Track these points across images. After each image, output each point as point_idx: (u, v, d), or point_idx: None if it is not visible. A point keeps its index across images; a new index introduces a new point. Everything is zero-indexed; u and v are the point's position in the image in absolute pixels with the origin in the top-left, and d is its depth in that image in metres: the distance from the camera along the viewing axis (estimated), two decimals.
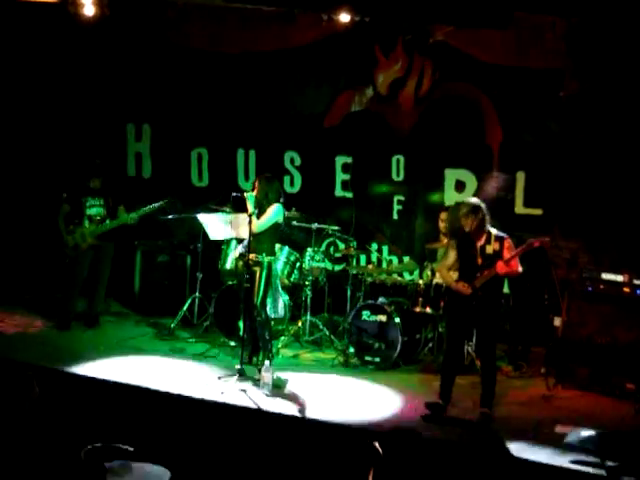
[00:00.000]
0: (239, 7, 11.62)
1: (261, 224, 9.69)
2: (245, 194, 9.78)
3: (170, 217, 11.68)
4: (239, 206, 10.10)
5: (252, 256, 9.69)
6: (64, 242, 11.18)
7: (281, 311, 10.85)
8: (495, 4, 10.00)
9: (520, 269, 8.55)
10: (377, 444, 5.76)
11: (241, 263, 9.92)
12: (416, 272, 11.16)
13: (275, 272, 10.39)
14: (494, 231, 8.58)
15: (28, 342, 10.56)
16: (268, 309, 10.15)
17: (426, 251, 10.60)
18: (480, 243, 8.55)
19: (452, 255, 8.76)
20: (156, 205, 11.17)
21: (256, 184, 9.95)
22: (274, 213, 9.78)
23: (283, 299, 10.90)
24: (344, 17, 10.83)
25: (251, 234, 9.58)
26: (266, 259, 9.75)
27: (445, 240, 10.29)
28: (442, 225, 10.50)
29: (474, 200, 8.75)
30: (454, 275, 8.70)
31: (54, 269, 11.98)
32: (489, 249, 8.51)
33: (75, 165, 12.12)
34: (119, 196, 11.42)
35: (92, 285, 11.39)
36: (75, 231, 11.14)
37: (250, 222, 9.56)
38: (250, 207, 9.68)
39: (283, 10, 11.42)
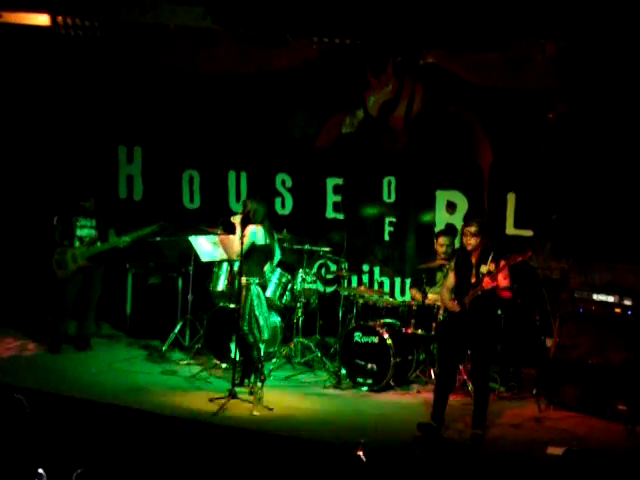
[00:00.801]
0: (229, 30, 11.68)
1: (242, 246, 9.63)
2: (233, 218, 9.79)
3: (161, 239, 11.68)
4: (229, 229, 10.11)
5: (244, 280, 9.69)
6: (54, 262, 11.15)
7: (271, 333, 10.80)
8: (486, 28, 10.08)
9: (506, 283, 8.52)
10: (361, 453, 5.76)
11: (233, 284, 9.93)
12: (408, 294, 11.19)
13: (255, 294, 10.15)
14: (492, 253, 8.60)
15: (20, 365, 10.53)
16: (257, 331, 10.12)
17: (422, 274, 10.57)
18: (476, 260, 8.57)
19: (452, 276, 8.80)
20: (148, 229, 11.17)
21: (247, 204, 9.95)
22: (250, 235, 9.71)
23: (275, 321, 10.88)
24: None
25: (242, 257, 9.59)
26: (252, 281, 9.72)
27: (439, 261, 10.34)
28: (441, 250, 10.49)
29: (481, 220, 8.79)
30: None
31: (46, 291, 11.95)
32: (484, 269, 8.52)
33: (66, 186, 12.11)
34: (110, 219, 11.42)
35: (82, 307, 11.36)
36: (66, 252, 11.13)
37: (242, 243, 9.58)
38: (239, 230, 9.68)
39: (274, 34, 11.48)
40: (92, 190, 11.33)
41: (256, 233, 9.78)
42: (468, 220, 8.86)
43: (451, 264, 8.93)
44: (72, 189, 11.53)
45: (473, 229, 8.58)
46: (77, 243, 11.16)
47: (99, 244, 11.16)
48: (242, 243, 9.53)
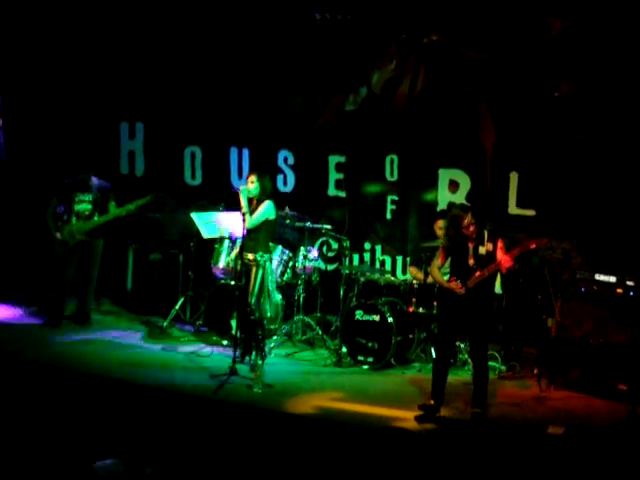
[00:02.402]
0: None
1: (253, 220, 9.81)
2: (240, 188, 9.82)
3: (163, 215, 11.67)
4: (233, 203, 10.14)
5: (251, 256, 9.73)
6: (52, 238, 11.15)
7: (274, 310, 10.84)
8: (492, 6, 10.03)
9: (513, 266, 8.57)
10: None
11: (237, 261, 9.92)
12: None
13: (270, 271, 10.40)
14: (487, 232, 8.60)
15: (20, 339, 10.54)
16: (262, 308, 10.16)
17: (422, 253, 10.55)
18: (473, 244, 8.56)
19: (442, 255, 8.79)
20: (145, 199, 11.12)
21: (251, 179, 10.00)
22: (266, 209, 9.95)
23: (276, 298, 10.88)
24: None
25: (245, 232, 9.62)
26: (262, 258, 9.80)
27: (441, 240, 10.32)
28: (440, 233, 10.47)
29: (470, 207, 8.78)
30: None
31: (46, 267, 11.94)
32: (482, 250, 8.52)
33: (67, 162, 12.07)
34: (108, 192, 11.37)
35: (82, 282, 11.35)
36: (63, 228, 11.11)
37: (244, 219, 9.62)
38: (244, 203, 9.74)
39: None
40: (93, 166, 11.29)
41: (272, 208, 9.86)
42: (464, 210, 8.79)
43: (443, 242, 8.92)
44: (73, 165, 11.48)
45: (468, 219, 8.55)
46: (74, 218, 11.13)
47: (96, 217, 11.13)
48: (244, 219, 9.59)
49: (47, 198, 11.43)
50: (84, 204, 11.18)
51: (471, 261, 8.58)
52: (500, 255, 8.48)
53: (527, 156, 11.08)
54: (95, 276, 11.39)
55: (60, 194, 11.22)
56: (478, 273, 8.48)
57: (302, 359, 10.59)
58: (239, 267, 9.94)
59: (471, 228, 8.53)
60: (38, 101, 12.95)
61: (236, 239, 10.18)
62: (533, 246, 8.57)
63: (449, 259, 8.80)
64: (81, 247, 11.17)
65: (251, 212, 9.83)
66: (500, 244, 8.57)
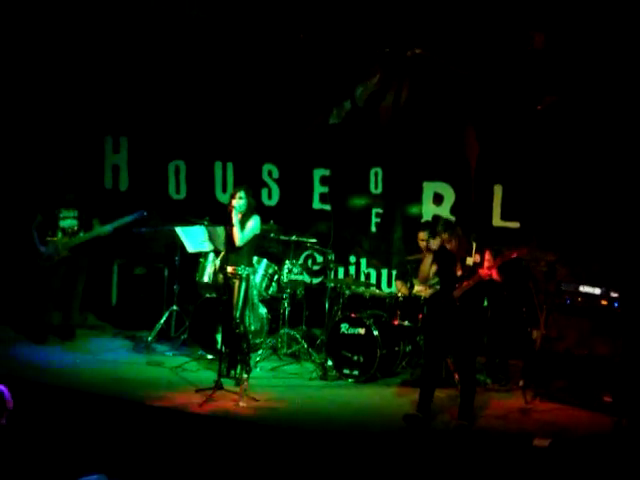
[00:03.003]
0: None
1: (245, 237, 9.84)
2: (234, 203, 9.83)
3: (147, 230, 11.66)
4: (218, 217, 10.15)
5: (231, 269, 9.72)
6: (37, 253, 11.12)
7: (259, 324, 10.83)
8: (473, 20, 10.08)
9: (499, 278, 8.60)
10: None
11: (221, 276, 9.91)
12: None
13: (253, 284, 10.40)
14: (474, 243, 8.64)
15: (4, 355, 10.49)
16: (247, 321, 10.15)
17: (408, 266, 10.57)
18: (460, 255, 8.59)
19: (427, 263, 8.81)
20: (130, 217, 11.13)
21: (239, 195, 9.97)
22: (255, 225, 9.95)
23: (261, 312, 10.87)
24: None
25: (229, 246, 9.63)
26: (245, 272, 9.79)
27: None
28: (422, 244, 10.50)
29: (452, 221, 8.83)
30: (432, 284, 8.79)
31: (30, 282, 11.89)
32: (469, 261, 8.56)
33: (51, 176, 12.04)
34: (94, 209, 11.36)
35: (67, 298, 11.32)
36: (48, 243, 11.09)
37: (232, 234, 9.67)
38: (235, 219, 9.76)
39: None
40: (77, 181, 11.28)
41: (260, 223, 9.90)
42: (439, 229, 8.83)
43: (428, 253, 8.96)
44: (57, 180, 11.46)
45: (446, 236, 8.60)
46: (60, 234, 11.11)
47: (82, 234, 11.12)
48: (233, 232, 9.65)
49: (31, 213, 11.39)
50: (69, 220, 11.16)
51: (459, 272, 8.62)
52: (485, 266, 8.52)
53: (511, 169, 11.13)
54: (80, 292, 11.36)
55: (44, 210, 11.19)
56: (465, 283, 8.51)
57: (288, 373, 10.58)
58: (220, 281, 9.94)
59: (451, 244, 8.59)
60: (21, 115, 12.89)
61: (220, 253, 10.19)
62: (514, 255, 8.64)
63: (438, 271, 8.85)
64: (66, 262, 11.14)
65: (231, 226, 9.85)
66: (487, 256, 8.62)
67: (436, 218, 10.98)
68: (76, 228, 11.15)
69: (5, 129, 12.96)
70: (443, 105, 11.43)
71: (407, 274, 10.55)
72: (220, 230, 10.05)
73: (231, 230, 9.82)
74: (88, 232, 11.15)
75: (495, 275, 8.55)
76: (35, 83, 12.83)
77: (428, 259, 8.85)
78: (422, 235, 10.51)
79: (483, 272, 8.48)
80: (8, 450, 5.90)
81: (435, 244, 8.76)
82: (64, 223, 11.15)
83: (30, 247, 11.26)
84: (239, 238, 9.84)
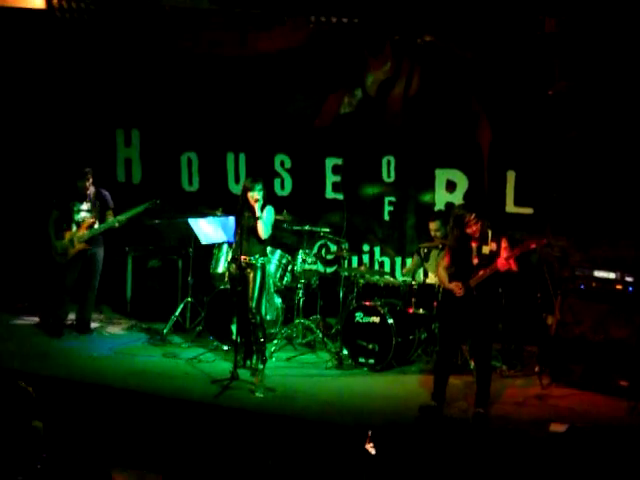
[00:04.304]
0: (227, 10, 11.62)
1: (267, 229, 9.83)
2: (256, 196, 9.79)
3: (160, 222, 11.68)
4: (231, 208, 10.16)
5: (245, 259, 9.72)
6: (53, 248, 11.16)
7: (275, 313, 10.86)
8: (484, 4, 10.04)
9: (516, 268, 8.59)
10: (370, 446, 5.76)
11: (234, 266, 9.91)
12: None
13: (269, 274, 10.41)
14: (490, 231, 8.62)
15: (22, 350, 10.52)
16: (263, 311, 10.17)
17: (421, 251, 10.57)
18: (476, 243, 8.58)
19: (448, 255, 8.81)
20: (142, 207, 11.14)
21: (257, 187, 9.87)
22: (272, 215, 9.94)
23: (276, 302, 10.89)
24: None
25: (242, 236, 9.64)
26: (259, 261, 9.79)
27: (439, 241, 10.34)
28: (433, 234, 10.52)
29: (474, 207, 8.78)
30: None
31: (46, 276, 11.93)
32: (485, 249, 8.55)
33: (64, 171, 12.08)
34: (107, 200, 11.37)
35: (82, 291, 11.34)
36: (64, 237, 11.12)
37: (253, 227, 9.68)
38: (258, 212, 9.73)
39: (271, 13, 11.42)
40: (88, 174, 11.29)
41: (274, 213, 9.97)
42: (467, 209, 8.79)
43: (447, 243, 8.95)
44: (70, 173, 11.48)
45: (474, 216, 8.56)
46: (75, 227, 11.14)
47: (96, 226, 11.14)
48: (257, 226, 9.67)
49: (45, 206, 11.43)
50: (83, 213, 11.18)
51: (475, 260, 8.60)
52: (503, 255, 8.50)
53: (524, 154, 11.10)
54: (96, 284, 11.37)
55: (59, 202, 11.22)
56: (481, 272, 8.49)
57: (303, 362, 10.58)
58: (234, 272, 9.92)
59: (474, 227, 8.55)
60: (34, 109, 12.92)
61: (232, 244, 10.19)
62: (533, 246, 8.62)
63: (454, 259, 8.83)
64: (82, 256, 11.16)
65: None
66: (504, 244, 8.61)
67: (450, 208, 10.97)
68: (91, 220, 11.16)
69: (19, 123, 12.99)
70: (455, 92, 11.41)
71: (420, 255, 10.56)
72: (232, 221, 10.05)
73: (249, 222, 9.75)
74: (102, 224, 11.17)
75: (513, 266, 8.53)
76: (47, 77, 12.86)
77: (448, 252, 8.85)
78: (433, 225, 10.51)
79: (501, 263, 8.46)
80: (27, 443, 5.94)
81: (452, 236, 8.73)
82: (79, 216, 11.17)
83: (45, 242, 11.29)
84: (264, 231, 9.81)
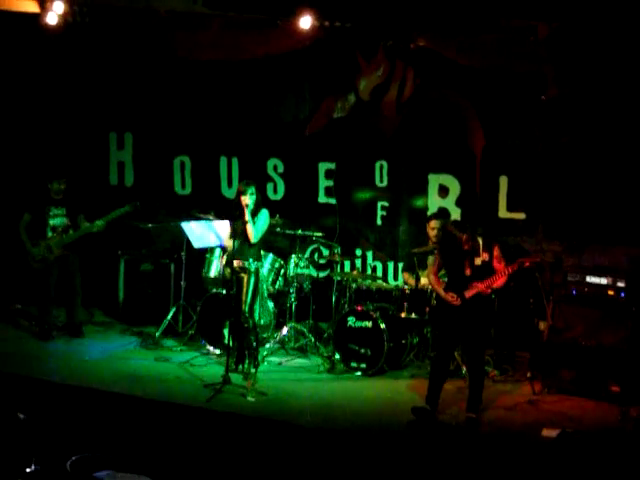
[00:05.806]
0: (220, 14, 11.62)
1: (258, 233, 9.85)
2: (247, 200, 9.80)
3: (153, 226, 11.68)
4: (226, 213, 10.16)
5: (239, 263, 9.72)
6: (29, 255, 11.10)
7: (268, 318, 10.86)
8: (477, 10, 10.04)
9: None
10: None
11: (228, 270, 9.91)
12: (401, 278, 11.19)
13: (262, 278, 10.41)
14: (481, 240, 8.64)
15: (12, 353, 10.50)
16: (256, 316, 10.17)
17: (414, 258, 10.56)
18: (468, 253, 8.60)
19: (438, 259, 8.84)
20: (121, 210, 11.11)
21: (248, 191, 9.89)
22: (266, 219, 9.96)
23: (269, 306, 10.89)
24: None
25: (237, 241, 9.65)
26: (253, 265, 9.80)
27: (432, 245, 10.33)
28: (432, 233, 10.49)
29: (467, 226, 8.83)
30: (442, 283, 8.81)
31: (25, 282, 11.87)
32: (477, 261, 8.59)
33: (39, 174, 11.98)
34: (79, 205, 11.32)
35: (68, 295, 11.31)
36: (40, 243, 11.06)
37: (246, 230, 9.69)
38: (248, 216, 9.75)
39: (265, 17, 11.41)
40: (82, 176, 11.27)
41: (268, 217, 9.97)
42: (460, 228, 8.85)
43: (439, 248, 8.98)
44: (45, 177, 11.40)
45: (466, 238, 8.66)
46: (50, 233, 11.10)
47: (72, 232, 11.10)
48: (247, 229, 9.67)
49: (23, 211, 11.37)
50: (59, 218, 11.14)
51: (467, 272, 8.63)
52: (496, 267, 8.56)
53: (516, 160, 11.12)
54: (79, 288, 11.34)
55: (31, 208, 11.17)
56: (477, 287, 8.52)
57: (295, 366, 10.58)
58: (229, 276, 9.94)
59: (466, 246, 8.61)
60: (27, 112, 12.91)
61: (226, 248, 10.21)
62: (527, 264, 8.73)
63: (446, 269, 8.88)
64: (60, 261, 11.12)
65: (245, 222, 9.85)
66: (496, 252, 8.64)
67: (442, 210, 10.98)
68: (66, 226, 11.12)
69: (10, 126, 12.96)
70: (448, 97, 11.42)
71: (414, 266, 10.54)
72: (226, 225, 10.05)
73: (243, 226, 9.78)
74: (79, 229, 11.12)
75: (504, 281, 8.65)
76: (41, 80, 12.85)
77: (439, 257, 8.89)
78: (433, 223, 10.50)
79: (499, 283, 8.60)
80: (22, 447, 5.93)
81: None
82: (54, 221, 11.11)
83: (22, 248, 11.24)
84: (254, 235, 9.82)
